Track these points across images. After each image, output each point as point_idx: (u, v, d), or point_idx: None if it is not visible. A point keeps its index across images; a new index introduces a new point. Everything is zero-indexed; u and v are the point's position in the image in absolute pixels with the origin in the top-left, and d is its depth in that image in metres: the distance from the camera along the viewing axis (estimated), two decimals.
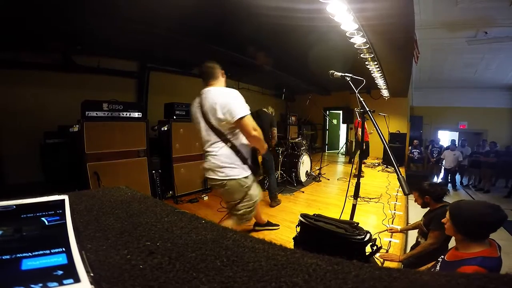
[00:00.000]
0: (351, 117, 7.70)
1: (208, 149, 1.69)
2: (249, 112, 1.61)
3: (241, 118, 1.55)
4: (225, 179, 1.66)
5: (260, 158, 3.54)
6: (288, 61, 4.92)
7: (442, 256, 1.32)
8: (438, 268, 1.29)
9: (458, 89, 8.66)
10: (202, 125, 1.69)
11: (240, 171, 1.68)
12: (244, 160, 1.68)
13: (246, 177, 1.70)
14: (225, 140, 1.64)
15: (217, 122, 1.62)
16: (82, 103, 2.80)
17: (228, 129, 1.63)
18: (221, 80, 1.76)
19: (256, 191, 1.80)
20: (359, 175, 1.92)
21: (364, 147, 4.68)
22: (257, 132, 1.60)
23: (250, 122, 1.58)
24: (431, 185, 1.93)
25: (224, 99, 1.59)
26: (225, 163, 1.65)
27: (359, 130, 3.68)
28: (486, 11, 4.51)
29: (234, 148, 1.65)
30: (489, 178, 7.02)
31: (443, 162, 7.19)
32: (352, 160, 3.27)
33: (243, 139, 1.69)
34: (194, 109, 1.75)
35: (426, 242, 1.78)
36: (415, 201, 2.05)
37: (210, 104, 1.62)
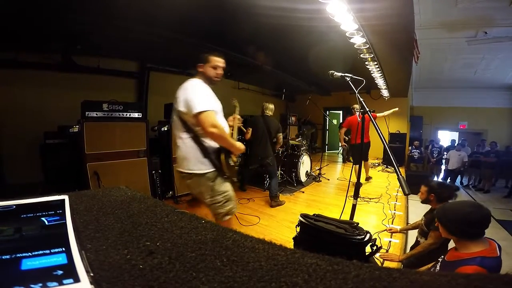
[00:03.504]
0: None
1: (176, 140, 1.66)
2: (210, 107, 1.53)
3: (199, 113, 1.49)
4: (187, 172, 1.62)
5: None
6: (288, 61, 4.92)
7: (442, 256, 1.32)
8: (438, 268, 1.29)
9: (458, 89, 8.64)
10: (174, 116, 1.65)
11: (200, 166, 1.60)
12: (205, 154, 1.60)
13: (207, 173, 1.61)
14: (189, 131, 1.59)
15: (182, 114, 1.58)
16: (82, 103, 2.80)
17: (194, 121, 1.56)
18: (199, 73, 1.69)
19: (223, 187, 1.67)
20: (359, 174, 1.92)
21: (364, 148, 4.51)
22: (216, 129, 1.51)
23: (208, 118, 1.50)
24: (440, 184, 1.94)
25: (186, 92, 1.56)
26: (188, 155, 1.60)
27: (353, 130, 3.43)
28: (486, 11, 4.50)
29: (196, 139, 1.59)
30: (489, 178, 7.01)
31: (448, 163, 7.14)
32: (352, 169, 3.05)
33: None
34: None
35: (426, 242, 1.78)
36: (419, 194, 2.00)
37: (178, 96, 1.60)
